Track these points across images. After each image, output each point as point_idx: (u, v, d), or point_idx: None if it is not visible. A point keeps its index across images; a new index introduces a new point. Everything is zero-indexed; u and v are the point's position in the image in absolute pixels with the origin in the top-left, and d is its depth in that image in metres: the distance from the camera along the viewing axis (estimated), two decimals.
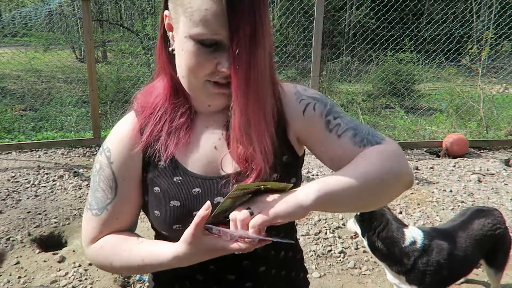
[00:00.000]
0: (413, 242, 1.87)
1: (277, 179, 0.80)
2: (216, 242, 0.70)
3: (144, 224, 2.48)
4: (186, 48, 0.72)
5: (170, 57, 0.81)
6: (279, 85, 0.85)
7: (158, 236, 0.88)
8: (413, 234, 1.90)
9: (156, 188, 0.82)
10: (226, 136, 0.82)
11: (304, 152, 0.91)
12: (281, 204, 0.68)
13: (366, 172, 0.74)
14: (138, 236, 0.87)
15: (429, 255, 1.89)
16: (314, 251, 2.91)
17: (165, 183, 0.81)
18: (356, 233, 2.07)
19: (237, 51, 0.69)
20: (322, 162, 0.87)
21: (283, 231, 0.87)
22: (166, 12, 0.77)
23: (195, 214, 0.70)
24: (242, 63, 0.69)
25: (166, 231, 0.82)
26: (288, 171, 0.84)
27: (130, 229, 0.89)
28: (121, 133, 0.84)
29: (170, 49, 0.79)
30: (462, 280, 2.56)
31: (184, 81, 0.79)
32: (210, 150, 0.82)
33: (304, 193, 0.69)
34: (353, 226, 2.05)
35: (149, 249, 0.80)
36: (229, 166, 0.81)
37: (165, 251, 0.77)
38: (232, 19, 0.67)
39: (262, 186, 0.71)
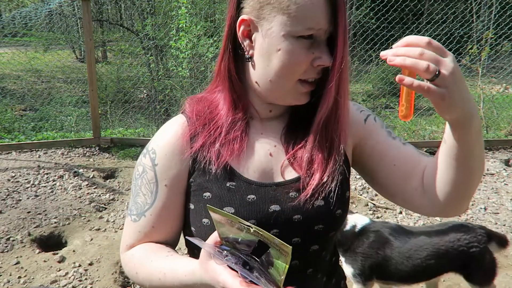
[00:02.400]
0: (353, 227, 2.03)
1: (335, 189, 0.78)
2: (225, 277, 0.61)
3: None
4: (284, 47, 0.70)
5: (237, 68, 0.78)
6: None
7: (194, 255, 0.80)
8: (355, 220, 2.05)
9: (207, 194, 0.77)
10: (284, 142, 0.81)
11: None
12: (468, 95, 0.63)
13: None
14: (172, 250, 0.81)
15: (363, 240, 1.99)
16: None
17: (217, 188, 0.76)
18: None
19: (339, 42, 0.70)
20: (375, 169, 0.86)
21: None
22: (244, 16, 0.73)
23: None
24: (341, 54, 0.71)
25: None
26: (344, 183, 0.80)
27: (170, 244, 0.83)
28: (169, 135, 0.80)
29: (247, 56, 0.76)
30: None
31: (271, 85, 0.75)
32: (265, 157, 0.80)
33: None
34: None
35: (172, 262, 0.74)
36: (287, 173, 0.78)
37: (184, 265, 0.72)
38: (337, 9, 0.69)
39: (251, 227, 0.59)
